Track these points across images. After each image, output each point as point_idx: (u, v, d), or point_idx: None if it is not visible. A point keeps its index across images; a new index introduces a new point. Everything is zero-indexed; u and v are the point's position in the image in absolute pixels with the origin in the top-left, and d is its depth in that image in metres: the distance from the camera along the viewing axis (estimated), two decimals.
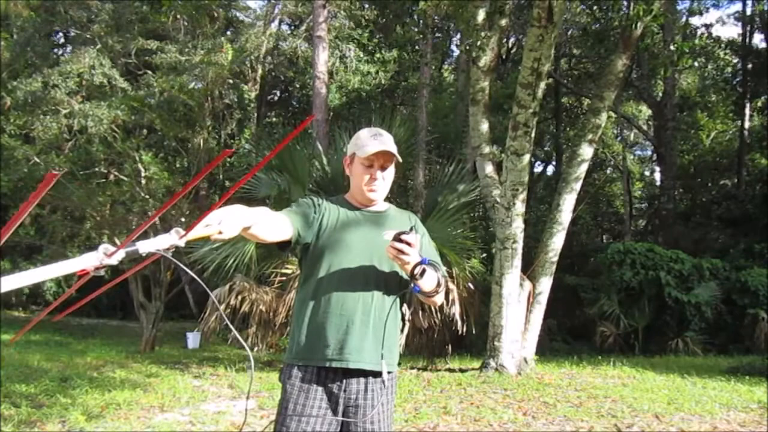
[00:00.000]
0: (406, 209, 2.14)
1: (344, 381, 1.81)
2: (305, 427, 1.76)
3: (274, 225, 1.74)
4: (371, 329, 1.82)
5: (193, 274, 1.71)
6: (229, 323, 1.90)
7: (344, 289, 1.82)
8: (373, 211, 1.96)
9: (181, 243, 1.25)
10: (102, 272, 1.12)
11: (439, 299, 1.90)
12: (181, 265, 1.57)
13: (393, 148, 1.87)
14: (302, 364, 1.82)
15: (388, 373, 1.87)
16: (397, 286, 1.90)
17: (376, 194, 1.92)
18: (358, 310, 1.81)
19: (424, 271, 1.71)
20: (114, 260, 1.11)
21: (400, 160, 1.92)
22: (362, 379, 1.82)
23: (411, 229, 1.71)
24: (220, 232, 1.41)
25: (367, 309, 1.82)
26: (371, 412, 1.81)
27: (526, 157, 7.16)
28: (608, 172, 23.08)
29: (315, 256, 1.87)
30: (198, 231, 1.35)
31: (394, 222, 1.96)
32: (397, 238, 1.68)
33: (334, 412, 1.80)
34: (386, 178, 1.92)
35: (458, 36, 17.39)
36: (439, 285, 1.80)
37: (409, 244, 1.67)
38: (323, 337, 1.80)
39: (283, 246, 1.85)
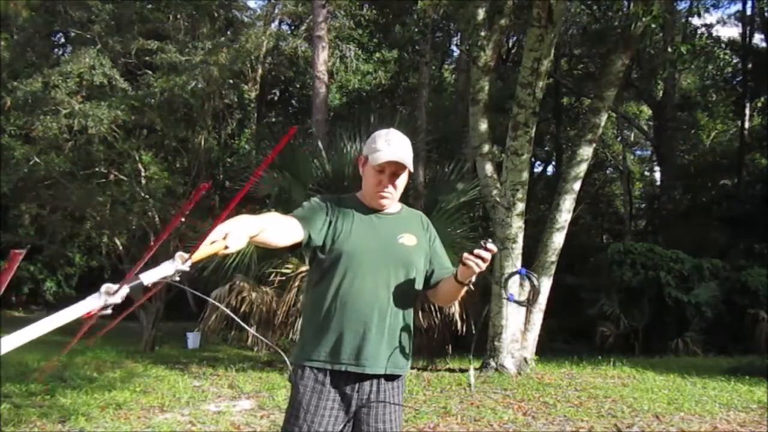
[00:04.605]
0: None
1: (357, 383, 1.81)
2: (317, 427, 1.77)
3: (283, 230, 1.73)
4: (386, 335, 1.82)
5: (203, 295, 1.72)
6: (237, 320, 1.90)
7: (360, 294, 1.80)
8: (387, 214, 1.94)
9: (186, 267, 1.22)
10: (109, 311, 1.11)
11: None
12: (192, 290, 1.55)
13: (405, 158, 1.84)
14: (315, 367, 1.81)
15: (400, 376, 1.90)
16: (412, 290, 1.89)
17: (387, 201, 1.90)
18: (375, 316, 1.80)
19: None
20: (118, 298, 1.10)
21: (412, 170, 1.90)
22: (375, 381, 1.83)
23: (488, 240, 1.76)
24: (227, 247, 1.37)
25: (383, 315, 1.81)
26: (383, 412, 1.82)
27: (526, 157, 7.16)
28: (608, 172, 23.07)
29: (330, 259, 1.84)
30: (203, 250, 1.32)
31: (407, 224, 1.95)
32: (483, 247, 1.72)
33: (347, 413, 1.81)
34: (397, 186, 1.90)
35: (458, 36, 17.38)
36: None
37: (491, 251, 1.72)
38: (339, 342, 1.79)
39: (293, 247, 1.83)
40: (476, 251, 1.70)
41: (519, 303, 1.72)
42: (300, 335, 1.94)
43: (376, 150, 1.84)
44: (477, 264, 1.70)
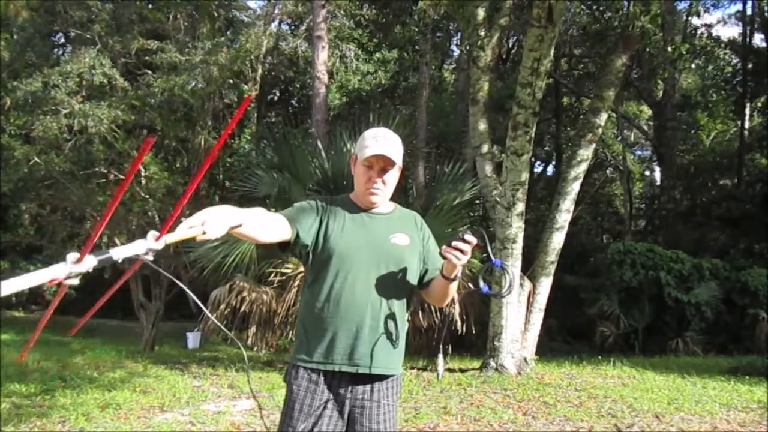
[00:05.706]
0: (407, 208, 2.13)
1: (351, 383, 1.81)
2: (311, 427, 1.77)
3: (269, 225, 1.70)
4: (380, 335, 1.82)
5: (175, 280, 1.66)
6: (221, 326, 1.89)
7: (353, 294, 1.80)
8: (379, 213, 1.93)
9: (158, 246, 1.18)
10: (76, 281, 1.07)
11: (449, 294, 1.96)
12: (162, 271, 1.53)
13: (393, 152, 1.84)
14: (310, 367, 1.81)
15: (394, 375, 1.89)
16: (405, 290, 1.89)
17: (377, 198, 1.89)
18: (367, 316, 1.80)
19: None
20: (83, 267, 1.06)
21: (400, 164, 1.89)
22: (369, 381, 1.83)
23: (466, 229, 1.74)
24: (204, 233, 1.35)
25: (376, 314, 1.81)
26: (377, 411, 1.82)
27: (526, 157, 7.16)
28: (608, 172, 23.06)
29: (322, 260, 1.84)
30: (180, 233, 1.30)
31: (400, 224, 1.94)
32: (461, 238, 1.70)
33: (340, 413, 1.81)
34: (386, 182, 1.89)
35: (458, 36, 17.40)
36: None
37: (469, 243, 1.70)
38: (332, 343, 1.80)
39: (283, 246, 1.83)
40: (454, 243, 1.70)
41: (494, 295, 1.73)
42: (296, 335, 1.95)
43: (365, 147, 1.85)
44: (456, 256, 1.70)
